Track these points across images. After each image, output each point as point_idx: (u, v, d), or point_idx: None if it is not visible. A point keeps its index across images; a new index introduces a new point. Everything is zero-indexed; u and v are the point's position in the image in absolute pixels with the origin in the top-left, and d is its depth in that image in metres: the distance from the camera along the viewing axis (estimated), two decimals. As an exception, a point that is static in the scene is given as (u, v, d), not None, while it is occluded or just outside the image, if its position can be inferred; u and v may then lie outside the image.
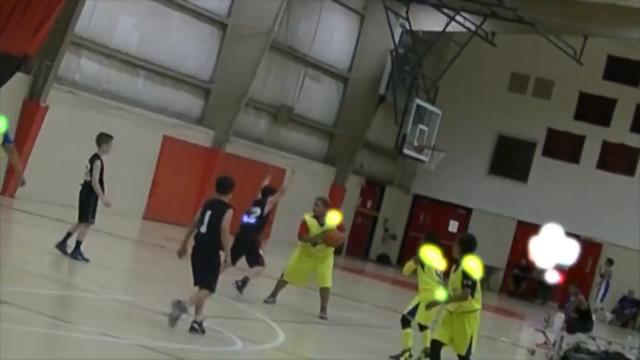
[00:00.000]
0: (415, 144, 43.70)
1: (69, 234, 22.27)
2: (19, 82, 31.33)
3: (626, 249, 48.43)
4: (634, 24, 41.88)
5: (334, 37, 45.45)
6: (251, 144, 41.53)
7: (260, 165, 39.24)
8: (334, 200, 45.42)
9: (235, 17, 39.49)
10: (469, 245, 15.98)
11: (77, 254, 21.92)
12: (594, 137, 50.22)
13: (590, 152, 50.32)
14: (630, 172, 49.70)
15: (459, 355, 15.79)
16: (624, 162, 49.83)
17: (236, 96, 39.46)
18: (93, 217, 22.53)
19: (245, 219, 22.40)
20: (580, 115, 50.40)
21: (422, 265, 17.86)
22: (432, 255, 16.83)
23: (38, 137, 31.84)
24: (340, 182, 46.63)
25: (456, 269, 15.69)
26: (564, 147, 50.85)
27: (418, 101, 43.81)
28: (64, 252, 21.91)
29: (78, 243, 22.09)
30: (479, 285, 15.78)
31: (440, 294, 16.62)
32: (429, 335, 18.19)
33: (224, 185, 16.83)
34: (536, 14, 42.01)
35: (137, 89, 36.90)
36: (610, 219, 48.73)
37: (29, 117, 31.70)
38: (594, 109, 50.18)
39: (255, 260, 22.19)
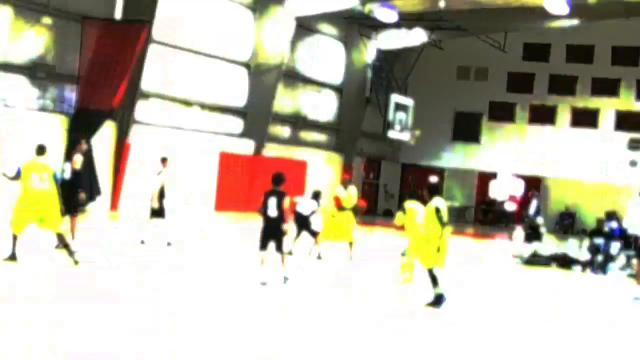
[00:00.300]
0: (398, 127, 43.79)
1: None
2: (109, 127, 31.41)
3: (560, 179, 49.04)
4: (539, 17, 41.71)
5: (328, 60, 45.45)
6: (280, 146, 41.52)
7: (288, 161, 39.42)
8: (344, 175, 45.39)
9: (256, 59, 39.50)
10: (434, 190, 16.60)
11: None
12: (522, 102, 50.56)
13: (521, 113, 50.67)
14: (552, 122, 49.80)
15: (428, 270, 16.09)
16: (547, 116, 49.86)
17: (265, 113, 39.48)
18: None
19: (300, 209, 22.66)
20: (510, 89, 50.61)
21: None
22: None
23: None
24: (347, 162, 46.62)
25: (426, 207, 16.34)
26: (502, 113, 50.92)
27: (394, 96, 43.99)
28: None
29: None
30: (445, 215, 16.00)
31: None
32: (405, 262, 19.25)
33: (279, 179, 17.75)
34: (468, 22, 42.06)
35: (193, 118, 36.88)
36: (544, 160, 49.13)
37: (119, 150, 31.93)
38: (520, 83, 50.32)
39: (314, 234, 22.62)
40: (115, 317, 12.33)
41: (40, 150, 17.36)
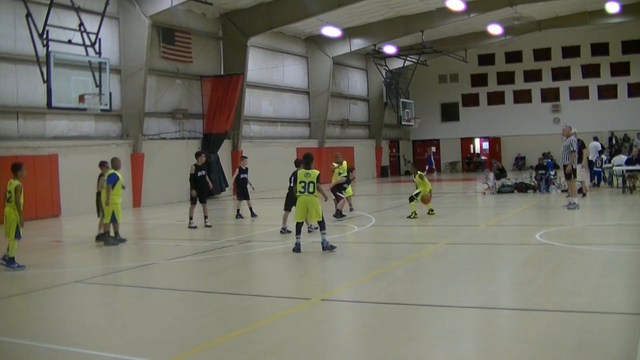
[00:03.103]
0: (406, 118, 43.07)
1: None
2: (226, 143, 30.66)
3: (512, 136, 47.78)
4: (485, 37, 41.57)
5: (357, 82, 44.26)
6: (334, 140, 40.29)
7: (341, 149, 38.44)
8: (378, 153, 45.40)
9: (312, 87, 38.40)
10: (303, 161, 12.76)
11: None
12: (482, 92, 48.70)
13: (482, 99, 48.71)
14: (502, 102, 48.15)
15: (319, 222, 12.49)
16: (499, 99, 48.31)
17: (322, 121, 38.36)
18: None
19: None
20: (473, 85, 48.80)
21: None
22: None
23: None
24: (378, 145, 45.46)
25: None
26: (470, 100, 49.14)
27: (402, 99, 43.21)
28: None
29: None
30: (299, 182, 12.47)
31: None
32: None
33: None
34: (441, 46, 41.38)
35: (277, 130, 35.92)
36: (500, 126, 47.83)
37: (234, 157, 30.82)
38: (479, 80, 48.55)
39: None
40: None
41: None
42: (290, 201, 14.91)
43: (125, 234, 15.69)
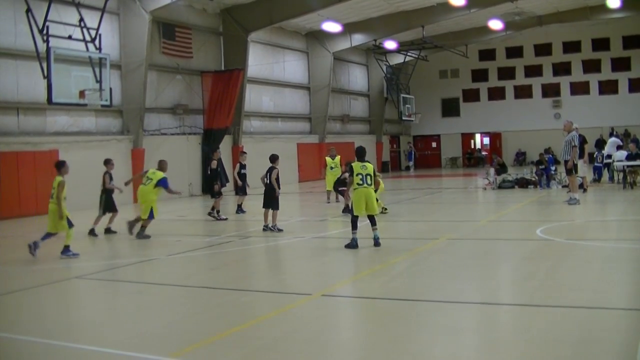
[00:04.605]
0: (407, 113, 43.05)
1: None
2: (227, 139, 30.57)
3: (512, 131, 47.89)
4: (486, 32, 41.64)
5: (358, 78, 44.21)
6: (335, 135, 40.21)
7: (341, 144, 38.19)
8: (378, 149, 45.37)
9: (312, 82, 38.32)
10: (357, 154, 12.45)
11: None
12: (482, 87, 48.67)
13: (483, 94, 48.73)
14: (503, 97, 48.18)
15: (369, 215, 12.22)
16: (499, 94, 48.38)
17: (323, 117, 38.28)
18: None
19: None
20: (474, 80, 48.81)
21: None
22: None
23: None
24: (379, 140, 45.43)
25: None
26: (471, 95, 49.15)
27: (402, 95, 43.19)
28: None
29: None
30: (356, 175, 12.06)
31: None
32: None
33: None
34: (442, 42, 41.35)
35: (278, 126, 35.82)
36: (501, 122, 47.79)
37: (234, 153, 30.74)
38: (479, 76, 48.57)
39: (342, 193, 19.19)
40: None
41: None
42: (268, 199, 15.03)
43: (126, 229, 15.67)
